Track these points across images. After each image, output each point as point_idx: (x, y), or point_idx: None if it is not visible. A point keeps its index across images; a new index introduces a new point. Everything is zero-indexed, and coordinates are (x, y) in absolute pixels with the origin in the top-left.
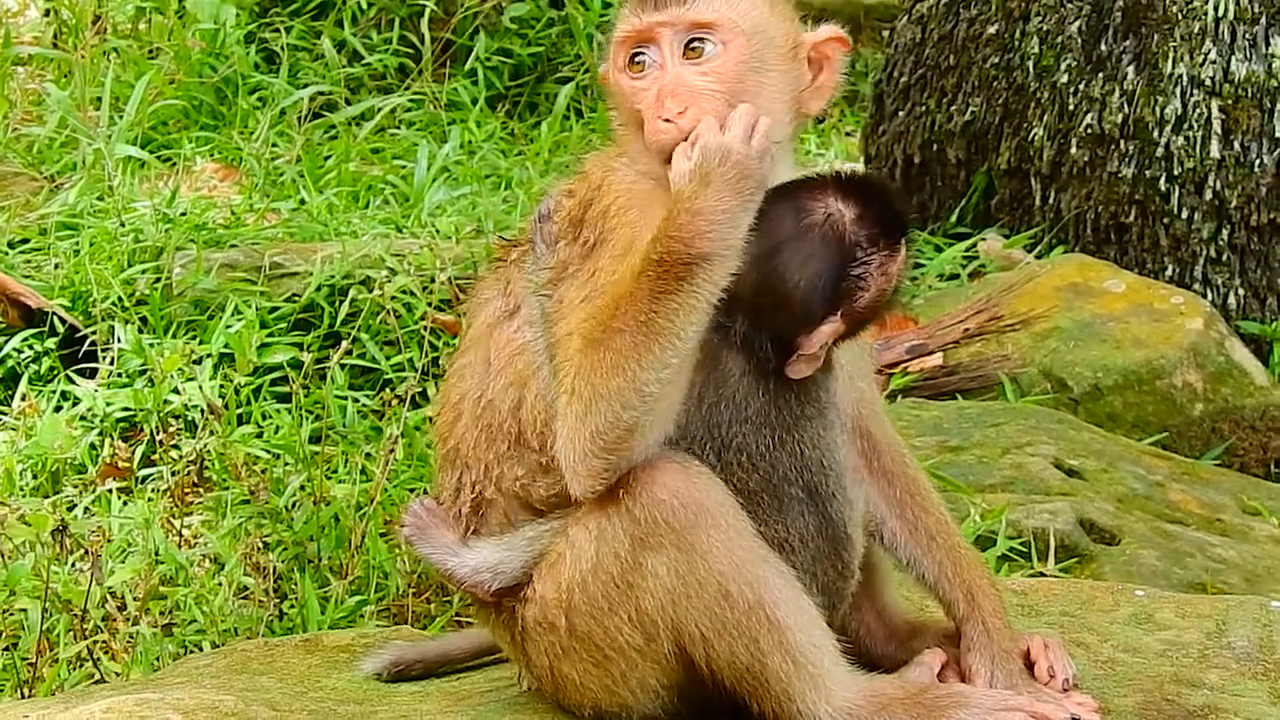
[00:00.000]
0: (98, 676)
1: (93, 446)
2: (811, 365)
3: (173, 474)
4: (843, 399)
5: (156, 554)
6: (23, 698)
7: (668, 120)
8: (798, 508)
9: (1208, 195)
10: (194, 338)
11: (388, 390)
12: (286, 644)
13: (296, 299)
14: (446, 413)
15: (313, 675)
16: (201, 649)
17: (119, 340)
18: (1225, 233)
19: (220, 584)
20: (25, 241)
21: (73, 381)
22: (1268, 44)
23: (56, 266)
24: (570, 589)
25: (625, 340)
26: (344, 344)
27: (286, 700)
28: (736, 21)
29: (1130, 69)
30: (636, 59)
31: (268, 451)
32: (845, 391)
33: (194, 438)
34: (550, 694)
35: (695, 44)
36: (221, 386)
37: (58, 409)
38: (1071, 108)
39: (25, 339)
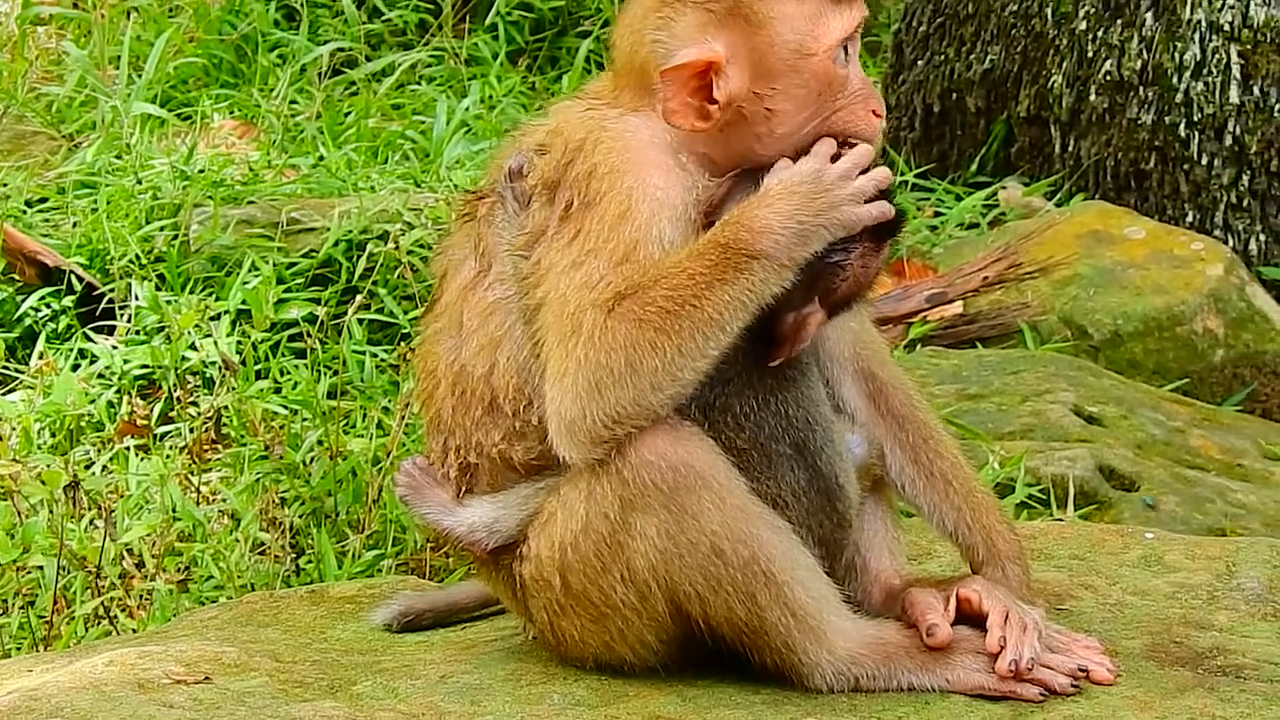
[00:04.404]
0: (114, 633)
1: (111, 404)
2: (789, 353)
3: (190, 430)
4: (838, 343)
5: (173, 510)
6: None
7: (878, 114)
8: (787, 464)
9: (1227, 141)
10: (211, 294)
11: (404, 344)
12: (292, 596)
13: (314, 255)
14: (425, 380)
15: (318, 626)
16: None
17: (136, 298)
18: (1245, 178)
19: (237, 540)
20: (44, 200)
21: (90, 339)
22: None
23: (74, 225)
24: (564, 548)
25: (671, 321)
26: (359, 298)
27: (290, 651)
28: None
29: (1149, 15)
30: (846, 49)
31: (285, 407)
32: (840, 333)
33: (212, 394)
34: (552, 647)
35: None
36: (239, 343)
37: (75, 367)
38: (1090, 54)
39: (43, 297)
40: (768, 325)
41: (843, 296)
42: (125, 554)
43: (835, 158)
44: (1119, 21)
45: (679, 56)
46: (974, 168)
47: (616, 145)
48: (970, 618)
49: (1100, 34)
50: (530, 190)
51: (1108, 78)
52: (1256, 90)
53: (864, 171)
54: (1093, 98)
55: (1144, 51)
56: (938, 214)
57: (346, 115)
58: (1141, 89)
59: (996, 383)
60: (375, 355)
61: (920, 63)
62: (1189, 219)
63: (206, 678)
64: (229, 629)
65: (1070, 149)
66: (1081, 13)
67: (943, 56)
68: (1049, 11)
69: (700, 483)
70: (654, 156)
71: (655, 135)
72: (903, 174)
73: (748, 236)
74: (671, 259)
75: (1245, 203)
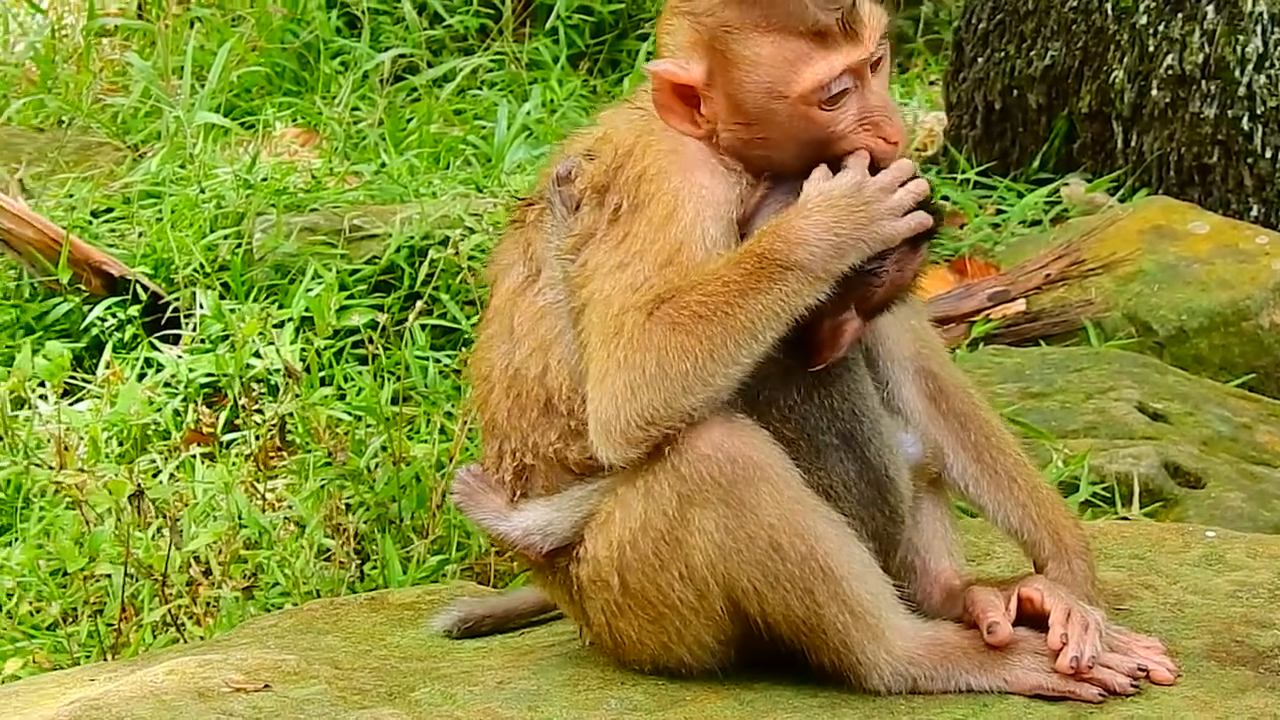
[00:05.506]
0: (181, 640)
1: (177, 413)
2: (827, 359)
3: (256, 438)
4: (898, 343)
5: (239, 518)
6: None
7: (893, 143)
8: (835, 454)
9: None
10: (275, 302)
11: (467, 349)
12: (352, 603)
13: (377, 261)
14: (480, 385)
15: (377, 633)
16: None
17: (201, 306)
18: None
19: (302, 546)
20: (109, 210)
21: (156, 348)
22: None
23: (140, 235)
24: (621, 547)
25: (702, 328)
26: (419, 304)
27: (350, 658)
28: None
29: (1210, 8)
30: (835, 89)
31: (349, 414)
32: (900, 333)
33: (276, 401)
34: (609, 650)
35: (878, 54)
36: (303, 350)
37: (141, 376)
38: (1151, 49)
39: (109, 307)
40: (805, 331)
41: (879, 302)
42: (192, 562)
43: (875, 169)
44: (1180, 15)
45: (659, 65)
46: (1036, 164)
47: (665, 149)
48: (1031, 618)
49: (1161, 28)
50: (579, 194)
51: (1169, 72)
52: None
53: (903, 183)
54: (1154, 92)
55: (1205, 45)
56: (1000, 212)
57: (408, 121)
58: (1204, 83)
59: (1060, 381)
60: (438, 360)
61: (981, 60)
62: (1253, 213)
63: (266, 685)
64: (289, 637)
65: (1132, 144)
66: (1142, 7)
67: (1003, 53)
68: (1109, 6)
69: (758, 474)
70: (701, 158)
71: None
72: (964, 172)
73: (783, 248)
74: (710, 265)
75: None
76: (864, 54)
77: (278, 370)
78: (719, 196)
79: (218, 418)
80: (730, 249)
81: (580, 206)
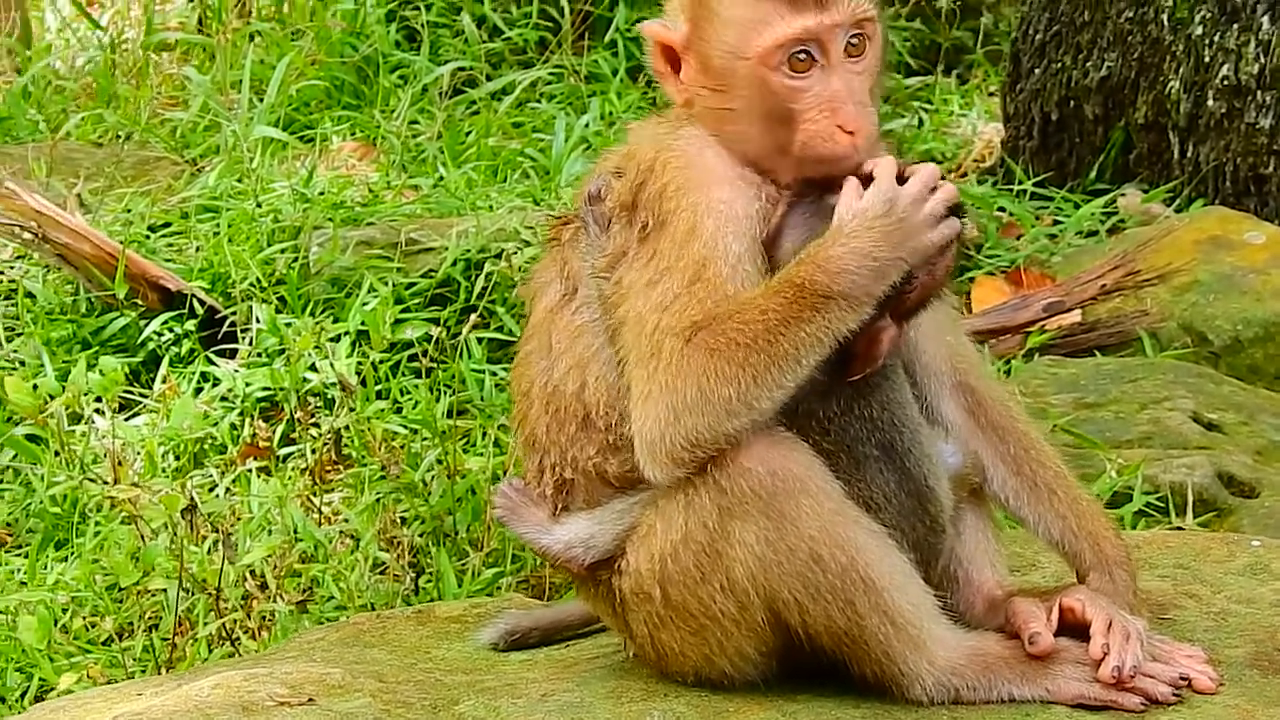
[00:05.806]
0: (237, 655)
1: (233, 427)
2: (864, 369)
3: (311, 452)
4: (935, 357)
5: (295, 531)
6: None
7: (850, 132)
8: (875, 465)
9: None
10: (331, 316)
11: None
12: (398, 616)
13: (432, 274)
14: (520, 401)
15: (423, 646)
16: None
17: (257, 320)
18: None
19: (357, 560)
20: (167, 225)
21: (213, 362)
22: None
23: (197, 249)
24: (663, 560)
25: (744, 355)
26: (474, 317)
27: (395, 672)
28: (875, 12)
29: (1265, 19)
30: (800, 57)
31: (404, 427)
32: (936, 347)
33: (332, 415)
34: (652, 662)
35: (856, 40)
36: (359, 363)
37: (198, 390)
38: (1207, 59)
39: (165, 321)
40: (842, 343)
41: (913, 306)
42: (247, 576)
43: (901, 178)
44: (1235, 26)
45: (648, 24)
46: (1092, 175)
47: (681, 163)
48: (1073, 627)
49: (1217, 39)
50: (610, 213)
51: (1225, 82)
52: None
53: (931, 190)
54: (1210, 103)
55: (1261, 55)
56: (1056, 222)
57: (467, 134)
58: (1259, 93)
59: (1115, 391)
60: (493, 374)
61: (1037, 71)
62: None
63: (310, 699)
64: (335, 650)
65: (1189, 155)
66: (1197, 18)
67: (1060, 64)
68: (1165, 17)
69: (799, 487)
70: (719, 170)
71: (717, 149)
72: (1021, 182)
73: (824, 279)
74: (745, 295)
75: None
76: (829, 21)
77: (333, 384)
78: (739, 211)
79: (274, 431)
80: (754, 264)
81: (612, 225)
